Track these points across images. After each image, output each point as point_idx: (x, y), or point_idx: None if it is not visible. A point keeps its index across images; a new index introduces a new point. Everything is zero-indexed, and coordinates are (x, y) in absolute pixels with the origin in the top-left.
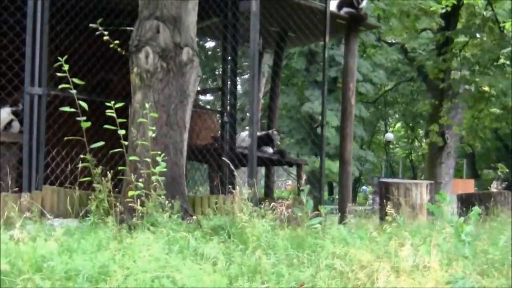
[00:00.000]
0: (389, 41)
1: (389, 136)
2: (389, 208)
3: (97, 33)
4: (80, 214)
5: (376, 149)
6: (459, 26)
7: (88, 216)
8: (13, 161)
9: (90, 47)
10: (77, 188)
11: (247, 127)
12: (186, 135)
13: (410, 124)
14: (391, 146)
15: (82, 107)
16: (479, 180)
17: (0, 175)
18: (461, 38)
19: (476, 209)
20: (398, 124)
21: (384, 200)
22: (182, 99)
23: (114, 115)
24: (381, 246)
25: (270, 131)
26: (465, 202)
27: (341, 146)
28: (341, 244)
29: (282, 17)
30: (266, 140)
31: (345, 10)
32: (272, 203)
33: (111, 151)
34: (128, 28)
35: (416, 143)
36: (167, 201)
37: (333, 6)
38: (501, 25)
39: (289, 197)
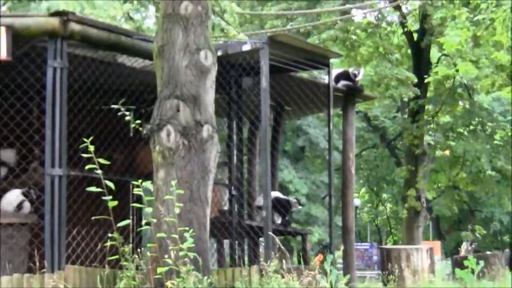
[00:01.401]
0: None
1: (356, 201)
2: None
3: (119, 114)
4: None
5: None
6: (428, 94)
7: None
8: (23, 243)
9: (105, 127)
10: (105, 266)
11: None
12: (208, 211)
13: (374, 189)
14: (357, 211)
15: (109, 186)
16: (443, 242)
17: (13, 255)
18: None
19: None
20: (363, 189)
21: (387, 265)
22: (204, 175)
23: (141, 193)
24: None
25: (290, 199)
26: (460, 265)
27: (343, 214)
28: None
29: (278, 92)
30: (279, 208)
31: (342, 83)
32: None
33: (139, 229)
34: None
35: (380, 207)
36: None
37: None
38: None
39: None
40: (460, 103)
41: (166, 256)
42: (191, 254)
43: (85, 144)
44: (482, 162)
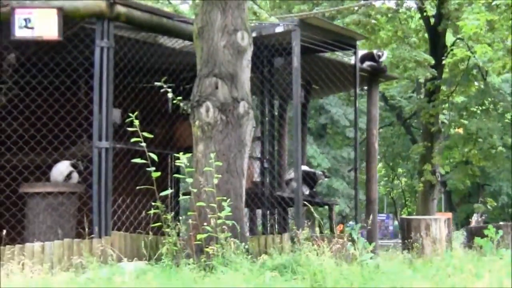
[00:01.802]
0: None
1: None
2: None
3: (162, 90)
4: (154, 257)
5: (360, 187)
6: (444, 76)
7: (161, 259)
8: (72, 210)
9: (146, 103)
10: (148, 233)
11: None
12: (244, 182)
13: (390, 164)
14: None
15: (152, 158)
16: (454, 214)
17: (62, 222)
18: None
19: None
20: (380, 164)
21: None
22: (240, 148)
23: (183, 165)
24: (444, 279)
25: (317, 172)
26: (474, 235)
27: (367, 187)
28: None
29: (307, 71)
30: (308, 180)
31: (367, 63)
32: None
33: (180, 198)
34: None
35: (396, 181)
36: (232, 243)
37: (353, 61)
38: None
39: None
40: (476, 83)
41: (205, 223)
42: (229, 222)
43: (130, 119)
44: (494, 139)
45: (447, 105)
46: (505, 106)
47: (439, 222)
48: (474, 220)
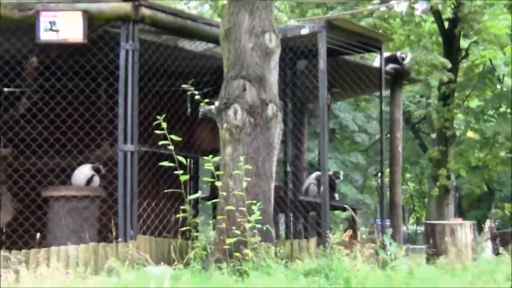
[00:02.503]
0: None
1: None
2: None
3: (189, 93)
4: (182, 262)
5: (368, 193)
6: (458, 79)
7: (189, 264)
8: (97, 213)
9: (167, 106)
10: (174, 237)
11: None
12: (273, 185)
13: None
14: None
15: (180, 161)
16: (464, 219)
17: (85, 226)
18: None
19: None
20: (387, 170)
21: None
22: (269, 151)
23: (212, 168)
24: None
25: (332, 173)
26: (499, 240)
27: (391, 191)
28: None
29: (330, 74)
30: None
31: (390, 66)
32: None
33: (211, 201)
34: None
35: (404, 186)
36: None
37: (376, 63)
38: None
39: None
40: (498, 86)
41: (233, 227)
42: (259, 226)
43: (157, 122)
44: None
45: (462, 109)
46: None
47: (464, 228)
48: (487, 225)
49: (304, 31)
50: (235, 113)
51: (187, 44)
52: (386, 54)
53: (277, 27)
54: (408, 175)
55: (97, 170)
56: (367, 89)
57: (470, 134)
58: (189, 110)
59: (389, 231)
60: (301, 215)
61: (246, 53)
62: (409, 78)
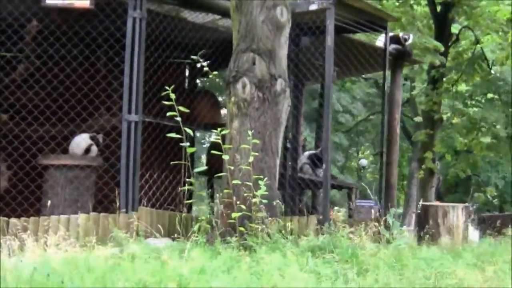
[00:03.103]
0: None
1: (363, 162)
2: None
3: (199, 65)
4: (184, 235)
5: (349, 173)
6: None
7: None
8: (95, 183)
9: (169, 77)
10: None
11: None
12: (278, 161)
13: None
14: (364, 171)
15: (188, 133)
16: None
17: (88, 195)
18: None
19: None
20: (367, 152)
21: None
22: (276, 126)
23: (220, 141)
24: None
25: (318, 151)
26: (486, 223)
27: (387, 171)
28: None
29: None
30: (318, 161)
31: (392, 46)
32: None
33: (216, 175)
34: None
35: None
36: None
37: (379, 43)
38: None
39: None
40: (492, 71)
41: (238, 202)
42: (265, 201)
43: (164, 93)
44: (498, 129)
45: (451, 93)
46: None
47: (456, 210)
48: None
49: (313, 7)
50: (244, 86)
51: (188, 15)
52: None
53: (288, 1)
54: None
55: (95, 140)
56: (369, 69)
57: (455, 119)
58: (186, 82)
59: (392, 210)
60: (299, 193)
61: (257, 26)
62: (411, 59)
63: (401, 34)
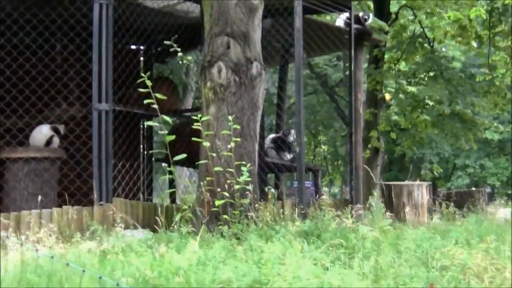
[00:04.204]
0: None
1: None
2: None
3: (171, 49)
4: (172, 226)
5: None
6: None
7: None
8: (58, 176)
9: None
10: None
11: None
12: (257, 146)
13: (313, 132)
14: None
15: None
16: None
17: (46, 189)
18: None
19: None
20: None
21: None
22: (253, 111)
23: (201, 128)
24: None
25: (281, 134)
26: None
27: (351, 152)
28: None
29: (290, 34)
30: (282, 144)
31: (353, 26)
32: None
33: (197, 163)
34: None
35: (318, 148)
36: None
37: (338, 22)
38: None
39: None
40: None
41: (219, 189)
42: (249, 187)
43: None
44: (443, 106)
45: (393, 72)
46: (452, 73)
47: (421, 188)
48: None
49: None
50: (219, 71)
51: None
52: (347, 14)
53: None
54: (323, 138)
55: (56, 131)
56: (328, 49)
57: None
58: (141, 68)
59: (377, 192)
60: (265, 176)
61: (230, 9)
62: (371, 39)
63: (361, 14)
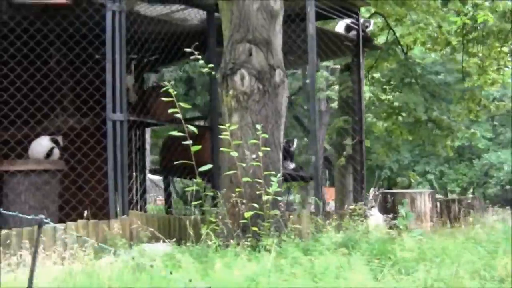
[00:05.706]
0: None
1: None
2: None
3: (192, 57)
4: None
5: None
6: None
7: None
8: (59, 189)
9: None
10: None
11: None
12: (281, 155)
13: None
14: None
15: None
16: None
17: (47, 202)
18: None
19: None
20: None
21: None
22: (277, 119)
23: (229, 137)
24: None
25: (284, 143)
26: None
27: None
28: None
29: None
30: (286, 154)
31: (353, 32)
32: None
33: (225, 173)
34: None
35: None
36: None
37: (338, 28)
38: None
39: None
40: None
41: (245, 200)
42: (280, 198)
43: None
44: (419, 113)
45: (367, 79)
46: (427, 79)
47: (423, 196)
48: (372, 194)
49: None
50: (242, 79)
51: (141, 8)
52: (348, 21)
53: None
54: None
55: (56, 142)
56: (326, 56)
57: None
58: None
59: (406, 201)
60: None
61: (251, 15)
62: (371, 46)
63: (362, 20)
